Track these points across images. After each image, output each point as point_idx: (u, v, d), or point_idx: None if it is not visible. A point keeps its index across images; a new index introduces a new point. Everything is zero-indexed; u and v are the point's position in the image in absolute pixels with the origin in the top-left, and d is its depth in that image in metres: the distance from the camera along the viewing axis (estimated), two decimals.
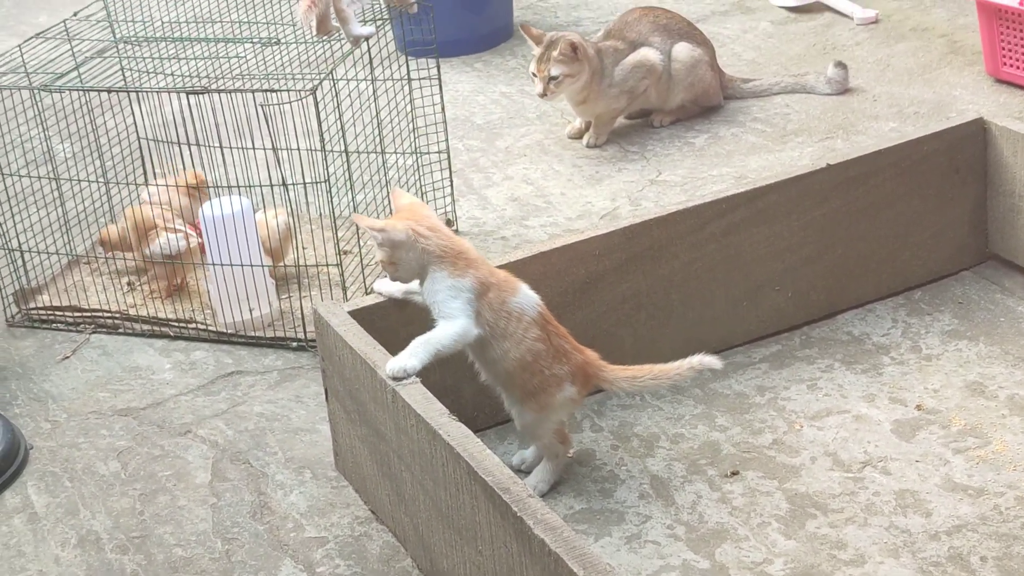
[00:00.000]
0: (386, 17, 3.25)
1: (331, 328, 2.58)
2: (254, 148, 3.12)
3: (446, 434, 2.23)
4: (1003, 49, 3.81)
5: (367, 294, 3.12)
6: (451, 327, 2.43)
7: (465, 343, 2.43)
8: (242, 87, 2.96)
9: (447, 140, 3.46)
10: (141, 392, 2.99)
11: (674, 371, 2.50)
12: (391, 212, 2.56)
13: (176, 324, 3.21)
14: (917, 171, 3.00)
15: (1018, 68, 3.79)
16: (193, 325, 3.20)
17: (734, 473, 2.57)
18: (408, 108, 3.39)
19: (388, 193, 3.35)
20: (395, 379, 2.38)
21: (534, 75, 3.74)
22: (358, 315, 2.61)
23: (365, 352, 2.47)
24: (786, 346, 2.93)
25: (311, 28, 2.93)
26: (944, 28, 4.24)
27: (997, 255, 3.11)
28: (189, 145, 3.28)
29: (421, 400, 2.34)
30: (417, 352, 2.41)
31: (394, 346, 2.51)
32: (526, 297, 2.47)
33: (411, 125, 3.41)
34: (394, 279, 2.51)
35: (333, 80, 3.03)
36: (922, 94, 3.89)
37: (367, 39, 3.11)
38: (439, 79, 3.36)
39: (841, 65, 3.92)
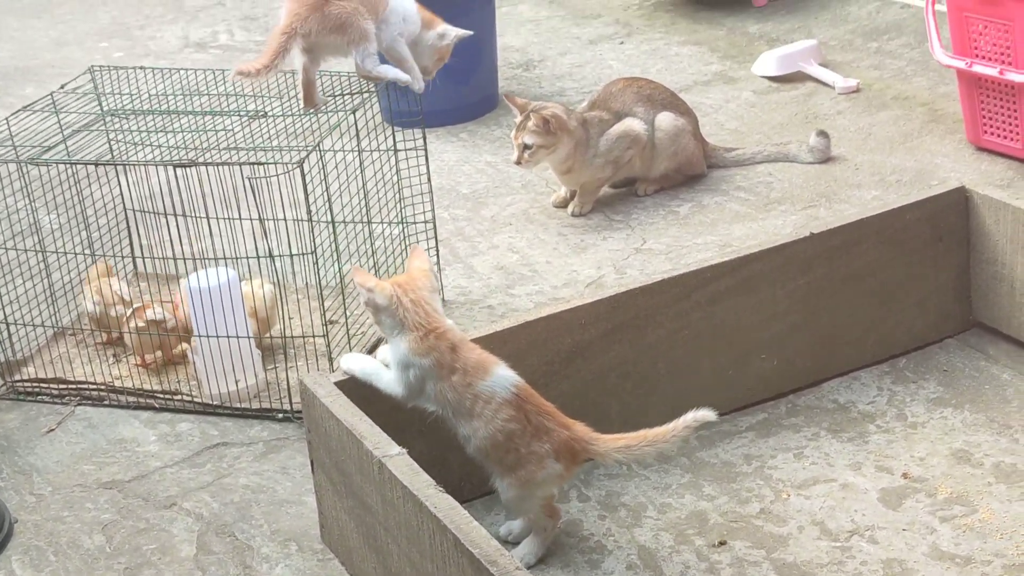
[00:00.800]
0: (372, 89, 3.27)
1: (317, 399, 2.57)
2: (240, 219, 3.13)
3: (433, 506, 2.23)
4: (983, 117, 3.85)
5: None
6: (391, 384, 2.56)
7: (406, 400, 2.56)
8: (229, 160, 2.97)
9: (433, 209, 3.48)
10: (126, 464, 2.98)
11: (670, 433, 2.49)
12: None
13: (162, 396, 3.20)
14: (900, 239, 3.02)
15: (999, 136, 3.83)
16: (179, 397, 3.19)
17: (722, 543, 2.57)
18: (394, 178, 3.41)
19: (374, 263, 3.36)
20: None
21: (513, 142, 3.78)
22: (344, 386, 2.61)
23: (351, 423, 2.47)
24: (772, 414, 2.93)
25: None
26: (925, 97, 4.29)
27: (981, 323, 3.12)
28: (176, 216, 3.30)
29: (408, 471, 2.33)
30: (366, 367, 2.59)
31: (381, 417, 2.51)
32: (498, 379, 2.50)
33: (397, 195, 3.43)
34: (382, 330, 2.60)
35: (320, 152, 3.05)
36: (904, 162, 3.92)
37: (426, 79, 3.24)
38: (425, 149, 3.39)
39: (823, 134, 3.96)
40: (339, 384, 2.61)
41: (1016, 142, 3.79)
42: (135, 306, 3.29)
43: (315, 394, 2.59)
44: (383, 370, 2.59)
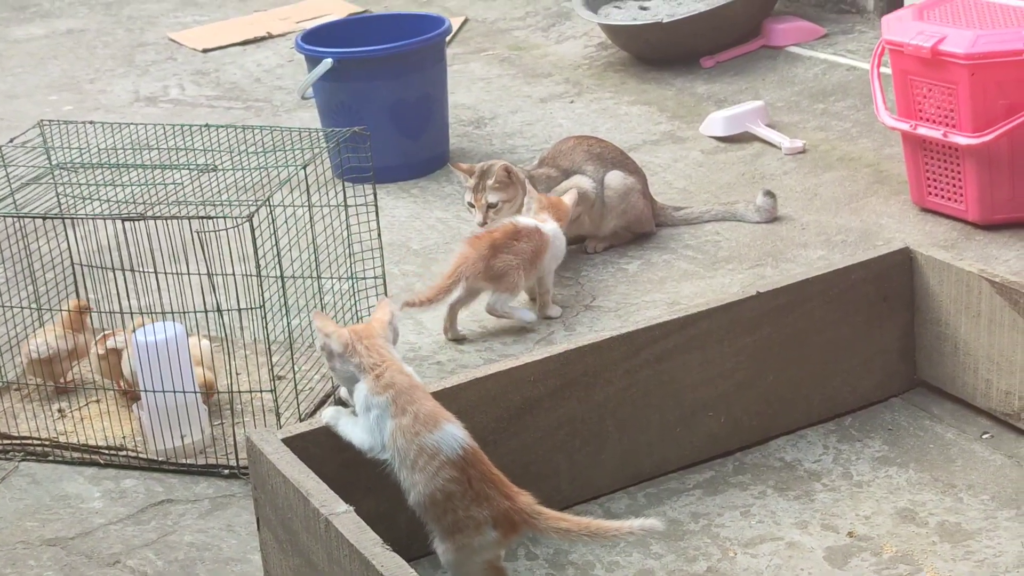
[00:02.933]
0: (323, 145, 3.28)
1: (264, 456, 2.56)
2: (189, 274, 3.12)
3: (379, 564, 2.22)
4: (928, 179, 3.90)
5: (300, 420, 3.13)
6: (355, 433, 2.57)
7: (361, 448, 2.57)
8: (178, 214, 2.96)
9: (383, 265, 3.48)
10: (70, 521, 2.94)
11: (612, 531, 2.48)
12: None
13: (107, 452, 3.17)
14: (846, 299, 3.04)
15: (942, 197, 3.88)
16: (124, 452, 3.16)
17: None
18: (344, 233, 3.41)
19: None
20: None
21: (471, 205, 3.78)
22: (292, 443, 2.60)
23: (298, 480, 2.46)
24: (720, 472, 2.94)
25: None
26: (871, 158, 4.34)
27: (926, 382, 3.14)
28: (124, 271, 3.28)
29: (354, 529, 2.33)
30: (339, 420, 2.60)
31: (328, 474, 2.50)
32: (446, 436, 2.49)
33: (347, 250, 3.43)
34: (339, 383, 2.65)
35: (270, 206, 3.05)
36: (849, 223, 3.96)
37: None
38: (375, 205, 3.39)
39: (770, 194, 3.99)
40: (286, 440, 2.60)
41: (959, 203, 3.84)
42: (103, 333, 3.28)
43: (261, 451, 2.57)
44: (355, 423, 2.59)
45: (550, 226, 3.62)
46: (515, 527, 2.50)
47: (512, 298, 3.57)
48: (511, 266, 3.52)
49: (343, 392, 2.69)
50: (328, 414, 2.64)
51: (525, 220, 3.62)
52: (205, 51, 6.01)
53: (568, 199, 3.74)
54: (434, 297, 3.47)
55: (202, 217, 2.93)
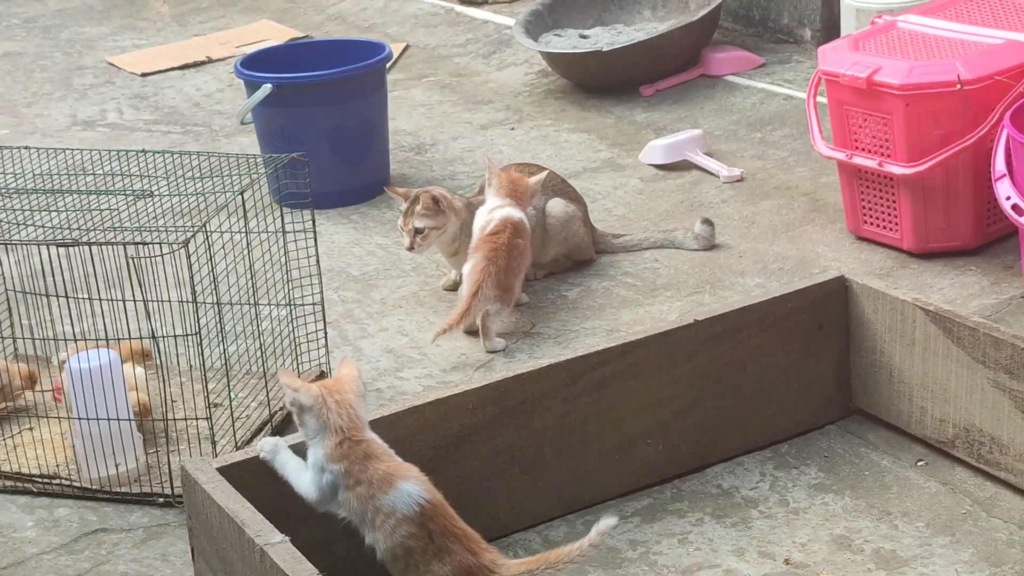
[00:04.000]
0: (261, 171, 3.27)
1: (198, 485, 2.54)
2: (124, 300, 3.09)
3: None
4: (863, 207, 3.93)
5: (237, 448, 3.10)
6: (301, 481, 2.56)
7: (301, 494, 2.57)
8: (113, 239, 2.93)
9: (322, 291, 3.45)
10: (2, 551, 2.90)
11: (574, 552, 2.48)
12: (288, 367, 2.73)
13: (39, 480, 3.13)
14: (782, 327, 3.06)
15: (878, 226, 3.91)
16: (57, 481, 3.12)
17: None
18: (282, 259, 3.39)
19: (260, 345, 3.33)
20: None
21: (401, 229, 3.78)
22: (227, 472, 2.58)
23: (233, 510, 2.44)
24: (657, 499, 2.94)
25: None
26: (807, 187, 4.37)
27: (861, 409, 3.16)
28: (58, 297, 3.25)
29: (290, 560, 2.31)
30: (284, 460, 2.59)
31: (263, 503, 2.49)
32: (401, 494, 2.50)
33: (285, 276, 3.41)
34: (304, 432, 2.59)
35: (207, 232, 3.02)
36: (786, 251, 3.98)
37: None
38: (314, 230, 3.38)
39: (708, 222, 4.02)
40: (221, 470, 2.59)
41: (895, 232, 3.87)
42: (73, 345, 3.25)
43: (196, 480, 2.55)
44: (301, 469, 2.58)
45: (520, 214, 3.67)
46: None
47: (507, 311, 3.62)
48: (516, 275, 3.61)
49: (262, 445, 2.66)
50: (266, 447, 2.62)
51: (516, 213, 3.63)
52: (144, 75, 5.97)
53: (534, 180, 3.76)
54: (458, 322, 3.51)
55: (137, 243, 2.91)
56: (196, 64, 6.07)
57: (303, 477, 2.57)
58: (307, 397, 2.54)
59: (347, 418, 2.54)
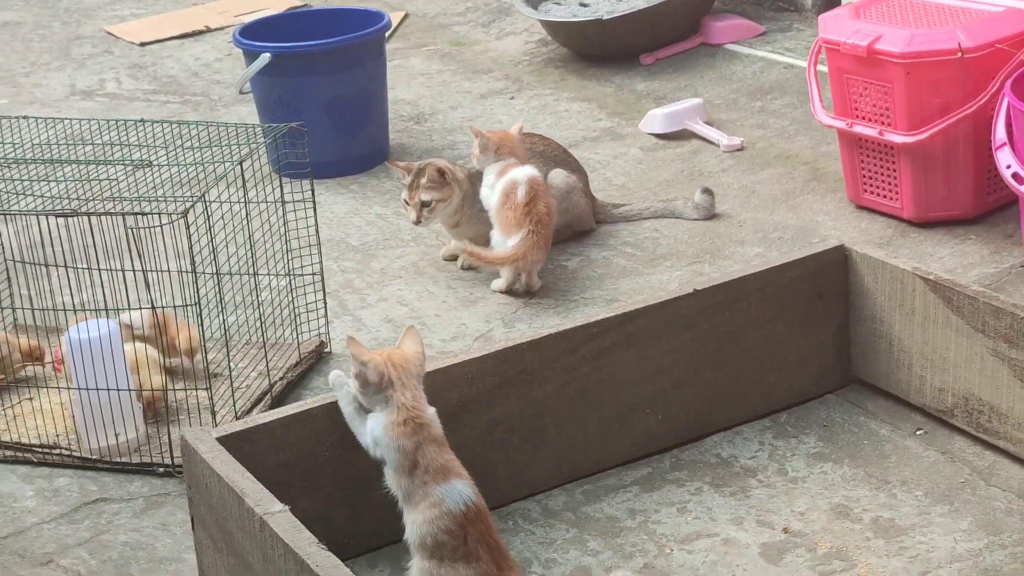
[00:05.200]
0: (260, 141, 3.26)
1: (198, 455, 2.54)
2: (123, 270, 3.09)
3: (315, 564, 2.21)
4: (863, 177, 3.92)
5: (237, 418, 3.09)
6: (357, 426, 2.56)
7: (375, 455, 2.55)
8: (112, 210, 2.93)
9: (321, 261, 3.45)
10: (2, 520, 2.90)
11: None
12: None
13: (39, 450, 3.13)
14: (781, 296, 3.05)
15: (878, 195, 3.90)
16: (57, 451, 3.12)
17: None
18: (282, 229, 3.39)
19: (260, 315, 3.33)
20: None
21: (406, 203, 3.77)
22: (226, 441, 2.58)
23: (233, 480, 2.44)
24: (656, 468, 2.94)
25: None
26: (807, 156, 4.36)
27: (860, 379, 3.16)
28: (57, 267, 3.24)
29: (289, 529, 2.31)
30: (341, 391, 2.60)
31: (264, 473, 2.50)
32: (453, 490, 2.50)
33: (285, 247, 3.40)
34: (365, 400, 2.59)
35: (205, 203, 3.02)
36: (786, 220, 3.97)
37: None
38: (313, 200, 3.37)
39: (708, 191, 4.00)
40: (221, 439, 2.58)
41: (895, 201, 3.86)
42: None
43: (196, 450, 2.55)
44: (357, 418, 2.60)
45: (533, 169, 3.71)
46: None
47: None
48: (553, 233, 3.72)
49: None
50: (333, 378, 2.65)
51: (529, 170, 3.66)
52: (142, 44, 5.95)
53: (514, 129, 3.81)
54: (491, 263, 3.64)
55: (136, 213, 2.90)
56: (195, 33, 6.05)
57: (361, 428, 2.58)
58: (373, 374, 2.53)
59: (411, 397, 2.54)
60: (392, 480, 2.54)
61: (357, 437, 2.60)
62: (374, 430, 2.53)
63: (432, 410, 2.57)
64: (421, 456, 2.50)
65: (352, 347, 2.55)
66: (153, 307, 3.01)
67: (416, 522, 2.49)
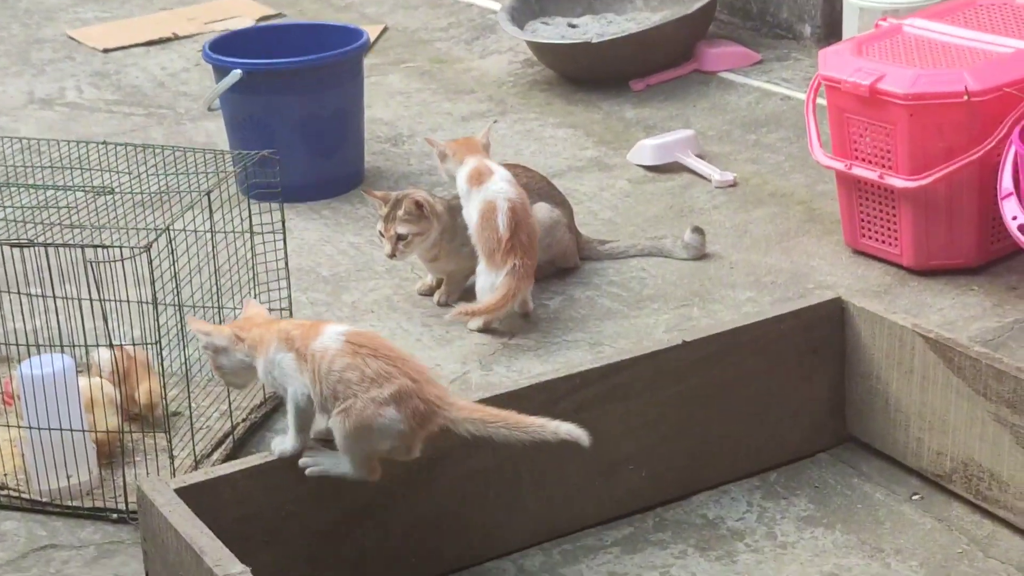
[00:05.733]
0: (230, 170, 3.13)
1: (155, 508, 2.46)
2: (79, 299, 2.96)
3: None
4: (862, 220, 3.81)
5: (196, 461, 2.98)
6: (290, 393, 2.56)
7: (307, 400, 2.55)
8: (71, 240, 2.82)
9: (290, 294, 3.33)
10: None
11: (533, 427, 2.48)
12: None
13: None
14: (774, 350, 2.97)
15: (877, 240, 3.80)
16: (4, 491, 2.99)
17: None
18: (248, 257, 3.26)
19: None
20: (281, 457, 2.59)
21: (381, 235, 3.65)
22: (185, 493, 2.49)
23: (191, 536, 2.35)
24: (639, 528, 2.84)
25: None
26: (803, 195, 4.25)
27: (855, 438, 3.06)
28: (9, 293, 3.10)
29: None
30: (289, 429, 2.58)
31: (223, 527, 2.40)
32: (328, 334, 2.53)
33: (252, 277, 3.28)
34: (230, 385, 2.78)
35: (169, 235, 2.89)
36: (779, 263, 3.86)
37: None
38: (283, 227, 3.24)
39: (698, 230, 3.89)
40: (179, 491, 2.49)
41: (894, 247, 3.76)
42: None
43: (153, 502, 2.46)
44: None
45: (509, 187, 3.63)
46: (422, 417, 2.46)
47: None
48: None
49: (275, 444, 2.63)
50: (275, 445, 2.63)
51: (506, 188, 3.58)
52: (106, 51, 5.76)
53: (480, 134, 3.77)
54: (486, 312, 3.52)
55: (97, 246, 2.79)
56: (161, 40, 5.85)
57: (288, 394, 2.57)
58: (220, 339, 2.62)
59: (260, 328, 2.62)
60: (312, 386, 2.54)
61: (295, 396, 2.57)
62: (269, 364, 2.57)
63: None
64: (300, 343, 2.53)
65: (193, 324, 2.67)
66: (112, 344, 2.87)
67: (320, 390, 2.50)
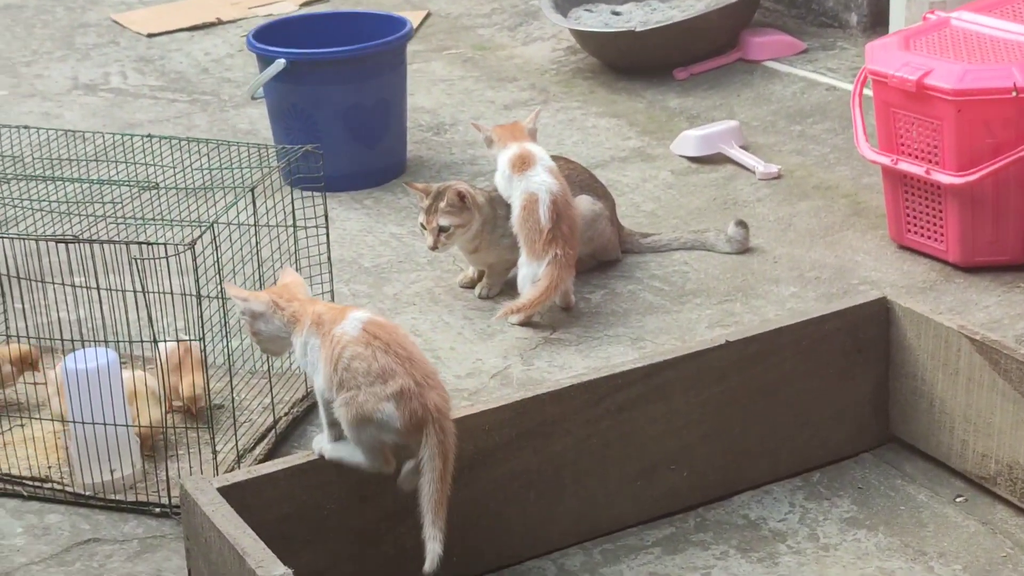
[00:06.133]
0: (273, 165, 3.13)
1: (198, 507, 2.45)
2: (123, 291, 2.96)
3: None
4: (907, 216, 3.77)
5: (239, 456, 2.99)
6: (316, 386, 2.58)
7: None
8: (116, 236, 2.83)
9: (332, 285, 3.32)
10: None
11: (431, 514, 2.49)
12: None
13: (30, 483, 3.00)
14: (818, 350, 2.94)
15: (922, 236, 3.76)
16: (49, 485, 2.99)
17: None
18: (292, 248, 3.26)
19: None
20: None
21: (423, 227, 3.63)
22: (228, 492, 2.48)
23: (234, 537, 2.35)
24: (680, 528, 2.82)
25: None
26: (848, 188, 4.20)
27: (898, 438, 3.03)
28: (54, 284, 3.11)
29: None
30: (323, 424, 2.60)
31: (266, 526, 2.40)
32: (350, 320, 2.54)
33: (295, 268, 3.26)
34: (266, 352, 2.71)
35: (214, 231, 2.89)
36: (824, 258, 3.82)
37: None
38: (326, 218, 3.23)
39: (742, 224, 3.86)
40: (222, 490, 2.48)
41: (940, 243, 3.71)
42: None
43: (196, 501, 2.46)
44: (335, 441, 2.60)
45: (550, 179, 3.63)
46: (420, 420, 2.47)
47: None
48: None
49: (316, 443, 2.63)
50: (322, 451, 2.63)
51: (548, 180, 3.57)
52: (150, 36, 5.77)
53: (528, 119, 3.78)
54: (531, 308, 3.51)
55: (141, 243, 2.79)
56: (206, 26, 5.85)
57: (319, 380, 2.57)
58: (258, 304, 2.60)
59: (298, 305, 2.61)
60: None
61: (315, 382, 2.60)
62: (302, 345, 2.57)
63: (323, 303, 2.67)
64: (323, 322, 2.56)
65: (231, 290, 2.64)
66: (155, 340, 2.87)
67: (328, 374, 2.52)
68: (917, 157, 3.66)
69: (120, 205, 2.96)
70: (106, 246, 2.89)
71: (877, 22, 5.05)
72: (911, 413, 2.99)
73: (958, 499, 2.86)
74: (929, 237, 3.74)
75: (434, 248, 3.61)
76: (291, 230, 3.22)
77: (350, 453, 2.56)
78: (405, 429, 2.48)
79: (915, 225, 3.76)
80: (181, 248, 2.76)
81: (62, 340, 3.11)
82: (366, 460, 2.55)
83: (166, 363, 3.07)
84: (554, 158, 3.82)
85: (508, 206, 3.67)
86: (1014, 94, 3.46)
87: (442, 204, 3.57)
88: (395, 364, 2.48)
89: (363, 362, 2.47)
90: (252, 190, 3.01)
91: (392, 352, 2.49)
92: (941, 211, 3.68)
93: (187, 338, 3.12)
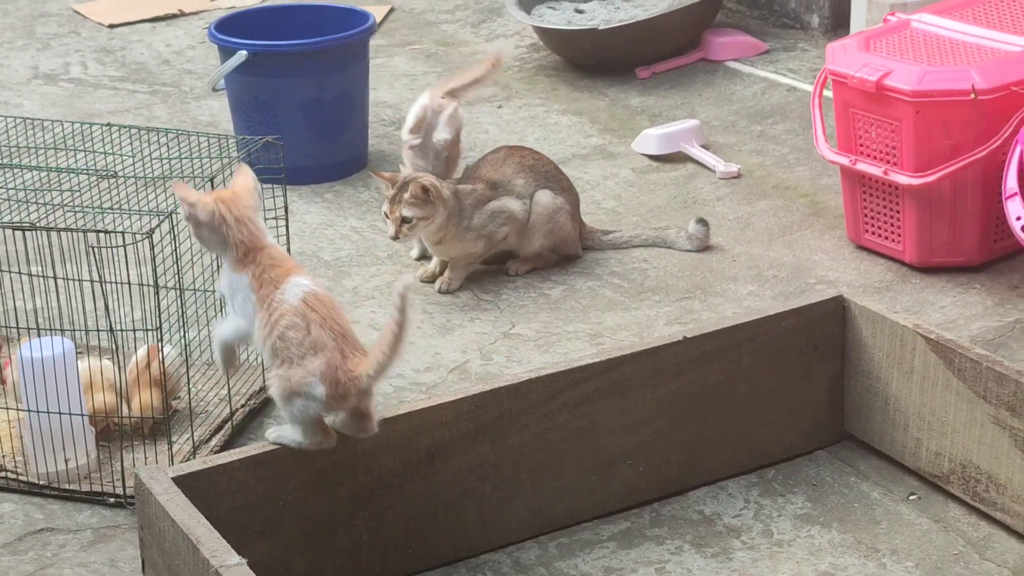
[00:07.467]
0: (234, 156, 3.11)
1: (152, 496, 2.44)
2: (80, 280, 2.96)
3: None
4: (865, 216, 3.79)
5: (195, 446, 2.97)
6: (229, 324, 2.60)
7: (242, 338, 2.60)
8: (74, 224, 2.81)
9: None
10: None
11: (393, 327, 2.47)
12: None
13: None
14: (775, 347, 2.95)
15: (880, 236, 3.78)
16: (2, 474, 2.97)
17: None
18: None
19: None
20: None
21: (386, 215, 3.62)
22: (183, 482, 2.47)
23: (188, 527, 2.34)
24: (636, 523, 2.83)
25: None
26: (807, 188, 4.22)
27: (853, 436, 3.05)
28: (10, 273, 3.09)
29: None
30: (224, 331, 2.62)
31: (220, 516, 2.40)
32: (291, 286, 2.52)
33: None
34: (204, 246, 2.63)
35: (172, 221, 2.88)
36: (782, 256, 3.84)
37: None
38: (286, 210, 3.22)
39: (703, 222, 3.87)
40: (177, 480, 2.47)
41: (897, 244, 3.74)
42: None
43: (150, 490, 2.45)
44: (229, 320, 2.62)
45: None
46: (344, 390, 2.48)
47: None
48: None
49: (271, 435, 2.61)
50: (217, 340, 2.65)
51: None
52: (111, 26, 5.73)
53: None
54: None
55: (99, 231, 2.78)
56: (167, 17, 5.82)
57: (229, 320, 2.60)
58: (203, 213, 2.54)
59: (247, 232, 2.56)
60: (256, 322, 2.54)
61: (231, 331, 2.61)
62: (227, 279, 2.56)
63: (271, 240, 2.60)
64: (264, 275, 2.53)
65: (179, 190, 2.55)
66: (111, 329, 2.86)
67: (263, 337, 2.51)
68: (876, 158, 3.68)
69: (78, 193, 2.94)
70: (63, 234, 2.88)
71: (838, 24, 5.08)
72: (866, 411, 3.00)
73: (911, 497, 2.88)
74: (886, 237, 3.76)
75: (395, 238, 3.60)
76: None
77: (289, 432, 2.57)
78: (332, 400, 2.49)
79: (873, 225, 3.78)
80: (139, 237, 2.75)
81: (18, 328, 3.08)
82: (304, 436, 2.55)
83: (135, 366, 3.05)
84: (519, 148, 3.85)
85: (474, 200, 3.68)
86: (972, 96, 3.48)
87: (406, 195, 3.56)
88: (328, 339, 2.49)
89: (298, 332, 2.48)
90: (212, 180, 3.00)
91: (327, 327, 2.50)
92: (899, 212, 3.70)
93: (149, 333, 3.09)
